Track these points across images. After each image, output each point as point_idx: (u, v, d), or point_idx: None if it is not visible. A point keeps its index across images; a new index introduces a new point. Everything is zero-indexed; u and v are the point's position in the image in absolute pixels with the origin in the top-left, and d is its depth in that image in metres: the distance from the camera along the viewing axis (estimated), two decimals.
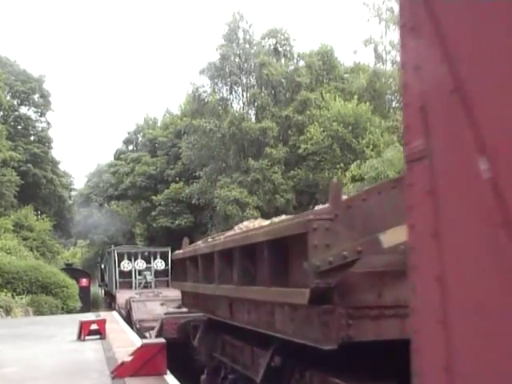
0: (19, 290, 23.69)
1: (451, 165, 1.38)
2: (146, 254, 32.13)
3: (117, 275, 30.40)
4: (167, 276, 30.19)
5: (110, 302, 33.45)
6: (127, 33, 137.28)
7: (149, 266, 31.13)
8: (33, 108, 47.17)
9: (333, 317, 3.36)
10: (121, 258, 31.20)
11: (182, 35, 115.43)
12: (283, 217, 5.70)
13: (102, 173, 61.64)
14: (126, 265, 30.67)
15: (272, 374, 4.79)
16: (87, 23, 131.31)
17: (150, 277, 30.61)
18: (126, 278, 30.55)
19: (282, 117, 38.69)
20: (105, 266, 39.34)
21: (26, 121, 46.35)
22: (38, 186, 44.36)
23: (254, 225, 6.02)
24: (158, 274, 31.15)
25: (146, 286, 30.02)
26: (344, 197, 3.70)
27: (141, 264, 30.84)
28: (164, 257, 30.93)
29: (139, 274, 30.84)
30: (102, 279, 41.98)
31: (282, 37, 42.06)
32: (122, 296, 24.71)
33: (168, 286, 28.19)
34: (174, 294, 24.45)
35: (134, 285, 30.16)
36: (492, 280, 1.22)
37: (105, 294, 41.66)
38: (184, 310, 9.93)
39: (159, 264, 31.04)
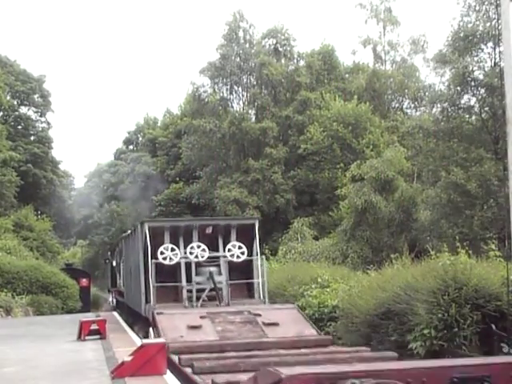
0: (19, 289, 23.67)
1: None
2: (210, 230, 15.55)
3: (151, 275, 14.36)
4: (250, 276, 15.50)
5: (129, 325, 18.23)
6: (127, 33, 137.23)
7: (215, 254, 15.32)
8: (33, 108, 47.16)
9: None
10: (157, 238, 14.87)
11: (182, 35, 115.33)
12: None
13: (102, 173, 61.72)
14: (167, 253, 14.73)
15: None
16: (87, 23, 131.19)
17: (220, 277, 14.91)
18: (167, 281, 14.73)
19: (282, 117, 38.66)
20: (118, 263, 24.37)
21: (26, 121, 46.33)
22: (38, 186, 44.35)
23: None
24: (234, 271, 15.29)
25: (213, 296, 14.86)
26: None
27: (199, 251, 14.97)
28: (244, 236, 15.47)
29: (197, 273, 14.94)
30: (114, 283, 26.55)
31: (282, 37, 42.03)
32: (173, 326, 12.00)
33: (252, 296, 15.34)
34: (289, 318, 12.39)
35: (185, 295, 14.61)
36: None
37: (117, 305, 26.72)
38: None
39: (237, 250, 15.21)
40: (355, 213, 25.58)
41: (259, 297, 15.27)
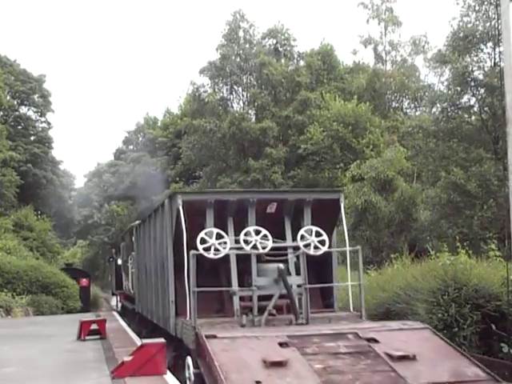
0: (19, 289, 23.66)
1: None
2: (273, 209, 10.41)
3: (189, 274, 8.87)
4: (326, 275, 10.72)
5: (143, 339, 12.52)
6: (127, 33, 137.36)
7: (283, 244, 10.15)
8: (33, 108, 47.17)
9: None
10: (195, 220, 9.70)
11: (183, 35, 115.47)
12: None
13: (102, 173, 61.83)
14: (212, 241, 9.58)
15: None
16: (87, 23, 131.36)
17: (296, 278, 9.77)
18: (211, 284, 9.55)
19: (282, 117, 38.68)
20: (125, 260, 20.02)
21: (26, 121, 46.33)
22: (38, 186, 44.36)
23: None
24: (312, 267, 9.78)
25: (278, 306, 9.57)
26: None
27: (259, 238, 9.90)
28: (322, 218, 10.26)
29: (260, 272, 9.62)
30: (120, 285, 22.79)
31: (283, 37, 42.10)
32: (239, 362, 6.87)
33: (330, 305, 10.80)
34: (425, 347, 7.53)
35: (238, 305, 9.53)
36: None
37: (123, 311, 23.29)
38: None
39: (314, 238, 10.04)
40: (355, 213, 25.58)
41: (348, 308, 10.37)
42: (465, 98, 25.50)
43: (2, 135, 37.25)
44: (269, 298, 9.44)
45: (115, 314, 23.92)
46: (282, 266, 9.63)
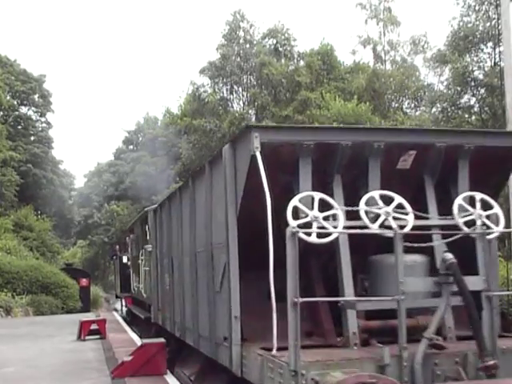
0: (19, 289, 23.69)
1: None
2: (409, 162, 6.05)
3: (290, 271, 4.68)
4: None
5: None
6: (127, 32, 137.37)
7: (431, 222, 5.92)
8: (33, 108, 47.16)
9: None
10: (280, 177, 5.64)
11: (182, 35, 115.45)
12: None
13: (102, 172, 61.84)
14: (313, 213, 5.34)
15: None
16: (87, 23, 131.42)
17: (468, 279, 5.09)
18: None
19: (281, 117, 38.65)
20: (135, 256, 16.80)
21: (26, 121, 46.32)
22: (38, 186, 44.36)
23: None
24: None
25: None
26: None
27: (391, 211, 5.57)
28: (487, 180, 6.24)
29: (411, 269, 5.21)
30: (127, 287, 19.82)
31: (283, 37, 42.09)
32: None
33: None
34: None
35: (355, 327, 5.50)
36: None
37: (131, 318, 19.86)
38: None
39: (478, 211, 5.85)
40: None
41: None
42: (465, 98, 25.54)
43: (2, 135, 37.24)
44: (411, 313, 5.41)
45: (115, 313, 23.92)
46: (451, 256, 5.31)
